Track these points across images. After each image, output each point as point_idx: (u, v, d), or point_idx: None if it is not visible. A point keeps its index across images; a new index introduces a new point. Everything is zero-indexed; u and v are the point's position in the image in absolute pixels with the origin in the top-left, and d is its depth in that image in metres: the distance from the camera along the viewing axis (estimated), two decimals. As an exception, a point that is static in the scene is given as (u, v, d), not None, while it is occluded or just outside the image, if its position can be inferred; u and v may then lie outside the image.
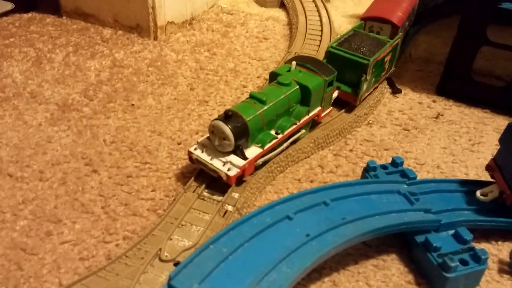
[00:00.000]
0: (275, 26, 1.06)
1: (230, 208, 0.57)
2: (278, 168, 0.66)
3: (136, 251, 0.51)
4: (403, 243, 0.56)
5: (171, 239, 0.52)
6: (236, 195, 0.59)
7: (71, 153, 0.66)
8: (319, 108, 0.69)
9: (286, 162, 0.67)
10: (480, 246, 0.55)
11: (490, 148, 0.74)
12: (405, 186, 0.57)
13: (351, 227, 0.47)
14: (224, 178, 0.57)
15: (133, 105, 0.77)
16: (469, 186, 0.60)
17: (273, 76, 0.68)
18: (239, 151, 0.59)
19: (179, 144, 0.70)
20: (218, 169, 0.57)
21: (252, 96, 0.62)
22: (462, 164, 0.70)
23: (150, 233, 0.53)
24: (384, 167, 0.63)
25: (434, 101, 0.85)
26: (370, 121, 0.78)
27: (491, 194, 0.57)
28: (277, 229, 0.44)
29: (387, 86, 0.87)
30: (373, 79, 0.78)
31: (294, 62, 0.68)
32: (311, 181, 0.65)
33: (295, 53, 0.91)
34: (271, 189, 0.64)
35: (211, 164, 0.58)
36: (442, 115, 0.81)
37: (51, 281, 0.49)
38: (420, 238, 0.53)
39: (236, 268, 0.38)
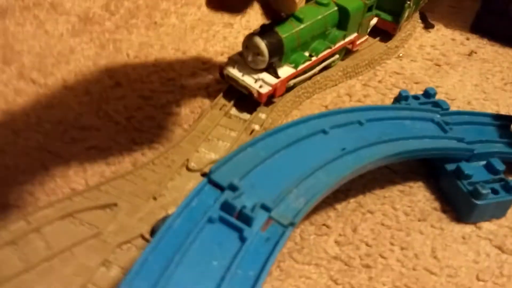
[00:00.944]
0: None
1: (257, 127, 0.56)
2: (306, 94, 0.65)
3: (163, 160, 0.50)
4: (430, 172, 0.55)
5: (197, 152, 0.52)
6: (263, 115, 0.58)
7: (94, 65, 0.64)
8: (355, 34, 0.66)
9: (313, 88, 0.65)
10: (509, 179, 0.55)
11: (523, 89, 0.71)
12: (438, 115, 0.56)
13: (385, 146, 0.46)
14: (255, 95, 0.56)
15: (155, 23, 0.75)
16: (502, 120, 0.58)
17: (311, -5, 0.64)
18: (271, 69, 0.57)
19: (204, 63, 0.68)
20: (250, 85, 0.56)
21: (289, 13, 0.59)
22: (493, 102, 0.68)
23: (177, 144, 0.52)
24: (416, 97, 0.61)
25: (467, 39, 0.81)
26: (401, 54, 0.75)
27: (526, 128, 0.55)
28: (312, 141, 0.43)
29: (419, 21, 0.83)
30: (413, 7, 0.74)
31: (332, -18, 0.65)
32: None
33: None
34: (298, 113, 0.62)
35: (243, 80, 0.56)
36: (475, 53, 0.78)
37: (78, 181, 0.49)
38: (450, 166, 0.52)
39: (273, 170, 0.38)
